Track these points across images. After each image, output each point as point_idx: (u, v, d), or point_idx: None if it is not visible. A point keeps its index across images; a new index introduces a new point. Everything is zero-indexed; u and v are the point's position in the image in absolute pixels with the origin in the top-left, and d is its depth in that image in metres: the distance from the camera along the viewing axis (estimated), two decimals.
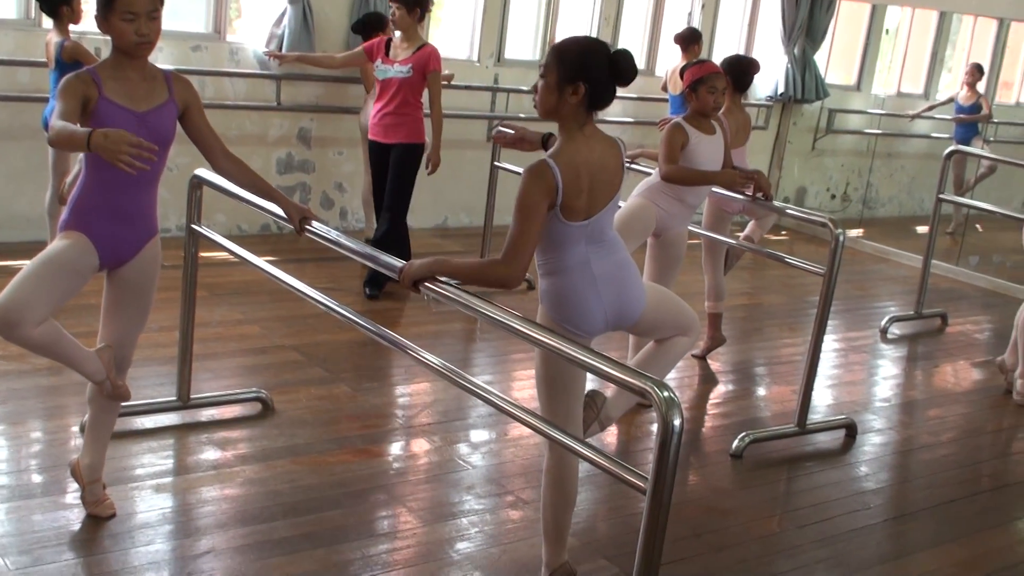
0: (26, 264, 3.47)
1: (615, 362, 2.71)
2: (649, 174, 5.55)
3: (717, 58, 10.43)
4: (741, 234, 6.91)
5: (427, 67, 6.70)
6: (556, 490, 3.53)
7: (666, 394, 2.49)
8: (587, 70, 3.21)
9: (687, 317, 3.70)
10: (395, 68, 6.68)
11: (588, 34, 9.73)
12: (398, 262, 3.42)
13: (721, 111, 6.04)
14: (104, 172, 3.45)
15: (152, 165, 3.46)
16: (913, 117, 12.49)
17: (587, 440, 3.51)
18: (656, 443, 2.50)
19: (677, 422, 2.46)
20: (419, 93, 6.80)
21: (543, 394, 3.47)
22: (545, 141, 3.92)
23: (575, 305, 3.35)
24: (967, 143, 11.89)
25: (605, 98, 3.27)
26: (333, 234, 3.82)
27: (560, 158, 3.22)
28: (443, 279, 3.29)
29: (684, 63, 8.34)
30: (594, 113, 3.31)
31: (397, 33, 6.77)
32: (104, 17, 3.42)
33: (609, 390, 3.80)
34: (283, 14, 7.95)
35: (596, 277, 3.34)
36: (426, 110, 6.88)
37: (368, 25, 7.77)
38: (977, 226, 11.70)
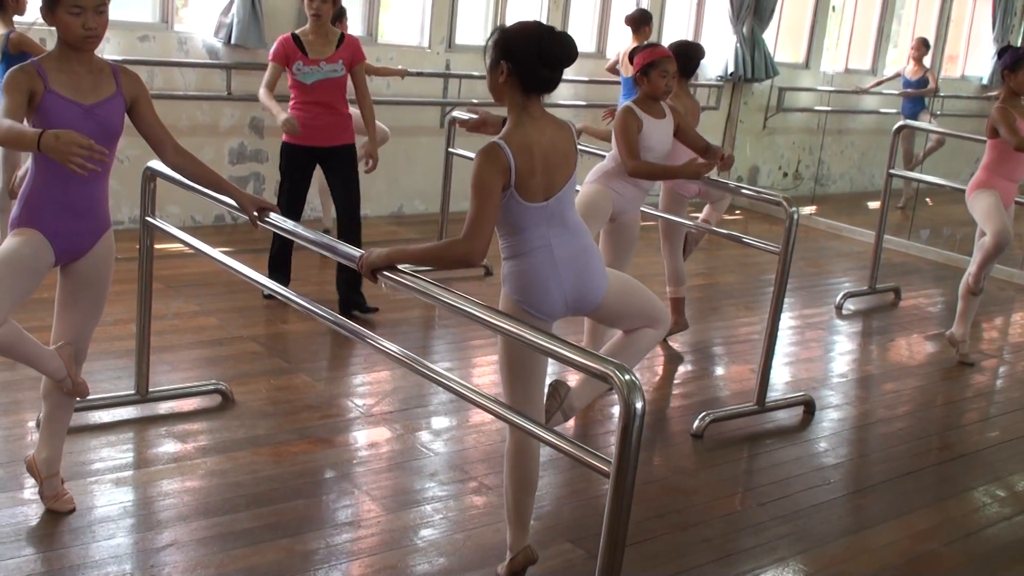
0: None
1: (576, 347, 2.72)
2: (602, 157, 5.56)
3: (666, 39, 10.49)
4: (699, 216, 6.94)
5: (355, 59, 6.23)
6: (517, 474, 3.55)
7: (628, 377, 2.50)
8: (510, 52, 3.26)
9: (655, 309, 3.70)
10: (324, 68, 6.11)
11: (538, 17, 9.73)
12: (356, 251, 3.41)
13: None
14: (54, 169, 3.42)
15: (102, 161, 3.43)
16: (861, 92, 12.60)
17: (550, 427, 3.54)
18: (619, 426, 2.51)
19: (639, 405, 2.47)
20: (346, 87, 6.31)
21: (505, 378, 3.49)
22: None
23: (536, 287, 3.36)
24: (915, 117, 12.01)
25: (538, 80, 3.27)
26: (289, 224, 3.79)
27: (510, 139, 3.26)
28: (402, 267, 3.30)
29: (635, 45, 8.35)
30: (536, 96, 3.33)
31: (307, 27, 6.18)
32: (50, 10, 3.38)
33: (573, 380, 3.82)
34: (231, 3, 7.87)
35: (557, 260, 3.36)
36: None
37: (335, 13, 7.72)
38: (927, 200, 11.83)
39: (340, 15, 7.61)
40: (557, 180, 3.34)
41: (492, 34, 3.35)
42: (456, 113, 5.05)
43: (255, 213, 3.85)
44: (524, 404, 3.42)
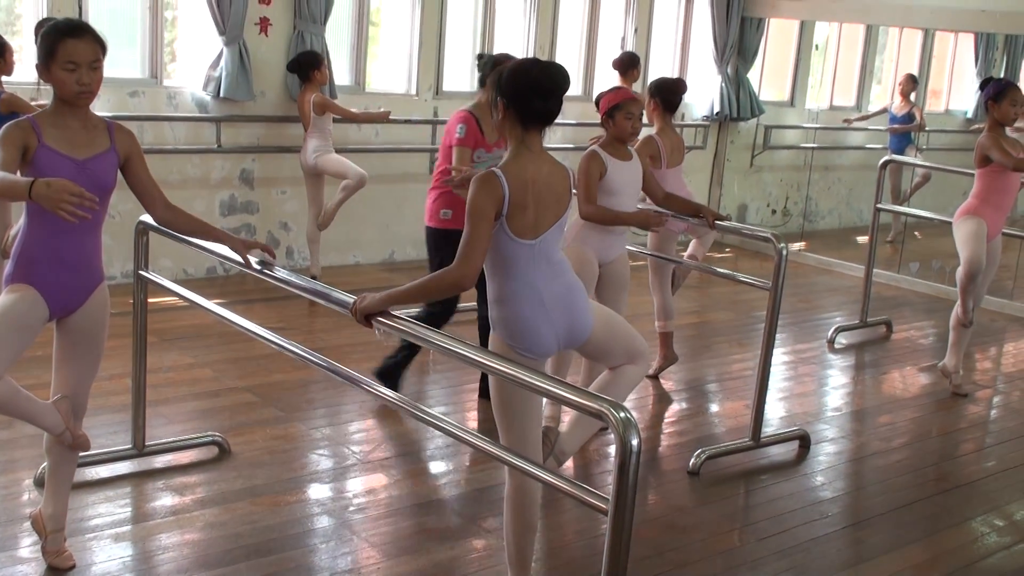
0: None
1: (570, 386, 2.75)
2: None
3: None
4: (685, 254, 6.99)
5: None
6: (517, 516, 3.56)
7: (623, 415, 2.52)
8: (504, 88, 3.35)
9: (635, 344, 3.72)
10: (496, 153, 5.50)
11: None
12: (349, 298, 3.43)
13: (654, 131, 6.14)
14: (47, 221, 3.45)
15: (94, 213, 3.46)
16: (849, 123, 12.69)
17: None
18: (615, 464, 2.53)
19: (635, 442, 2.49)
20: None
21: (500, 419, 3.51)
22: None
23: (528, 331, 3.40)
24: (901, 152, 12.10)
25: (533, 112, 3.35)
26: (283, 273, 3.83)
27: (507, 169, 3.33)
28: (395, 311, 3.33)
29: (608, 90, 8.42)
30: (535, 131, 3.40)
31: (481, 103, 5.57)
32: (45, 66, 3.43)
33: (563, 425, 3.83)
34: (219, 56, 7.94)
35: (545, 301, 3.40)
36: None
37: (303, 64, 7.80)
38: (916, 233, 11.89)
39: (318, 63, 7.75)
40: (546, 219, 3.40)
41: (492, 74, 3.44)
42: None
43: (246, 253, 3.88)
44: (521, 445, 3.44)
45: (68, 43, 3.39)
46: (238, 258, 3.99)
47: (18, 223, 5.66)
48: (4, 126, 3.47)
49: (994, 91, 6.23)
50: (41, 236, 3.51)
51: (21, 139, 3.41)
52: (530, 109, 3.33)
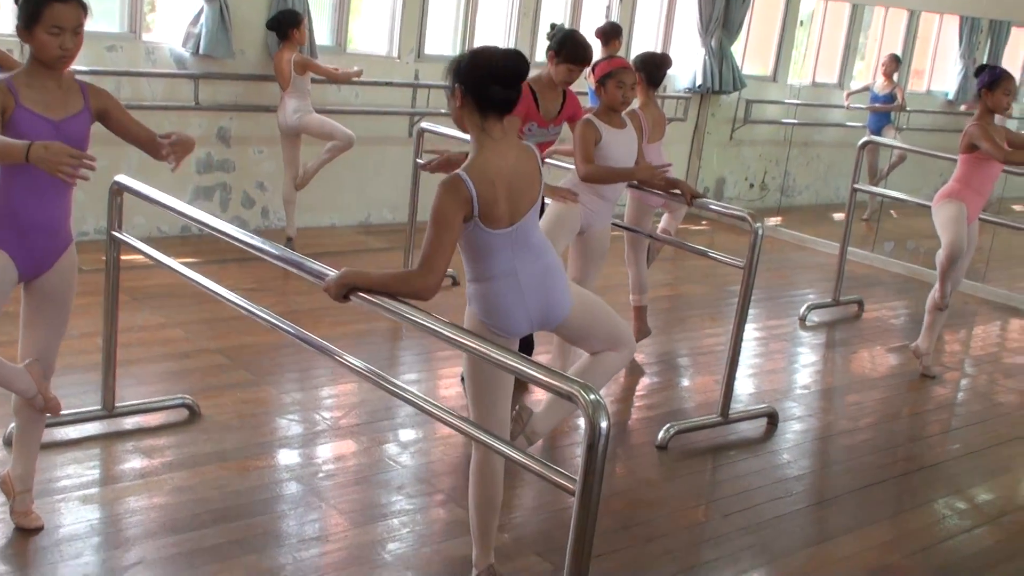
0: None
1: (542, 367, 2.76)
2: (569, 169, 5.60)
3: (635, 52, 10.55)
4: (659, 228, 7.01)
5: (575, 117, 5.53)
6: (481, 492, 3.57)
7: (592, 397, 2.53)
8: (462, 75, 3.28)
9: (619, 332, 3.70)
10: (551, 131, 5.50)
11: (506, 28, 9.80)
12: (326, 269, 3.42)
13: (637, 106, 6.14)
14: (17, 184, 3.44)
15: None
16: (849, 95, 12.70)
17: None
18: (584, 446, 2.54)
19: (604, 425, 2.51)
20: None
21: (470, 392, 3.52)
22: None
23: (501, 310, 3.40)
24: (880, 131, 12.16)
25: (492, 100, 3.27)
26: (256, 240, 3.83)
27: (472, 170, 3.25)
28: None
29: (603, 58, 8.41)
30: (494, 118, 3.31)
31: (542, 77, 5.44)
32: (27, 28, 3.41)
33: (537, 405, 3.84)
34: (200, 12, 7.86)
35: (522, 284, 3.39)
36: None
37: (282, 23, 7.72)
38: (892, 212, 11.95)
39: (298, 21, 7.67)
40: (522, 205, 3.36)
41: (450, 63, 3.36)
42: (419, 160, 5.06)
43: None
44: (490, 420, 3.46)
45: (54, 7, 3.36)
46: (213, 222, 4.00)
47: None
48: None
49: (988, 79, 6.24)
50: (11, 199, 3.49)
51: (0, 101, 3.38)
52: (489, 97, 3.25)
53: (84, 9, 3.47)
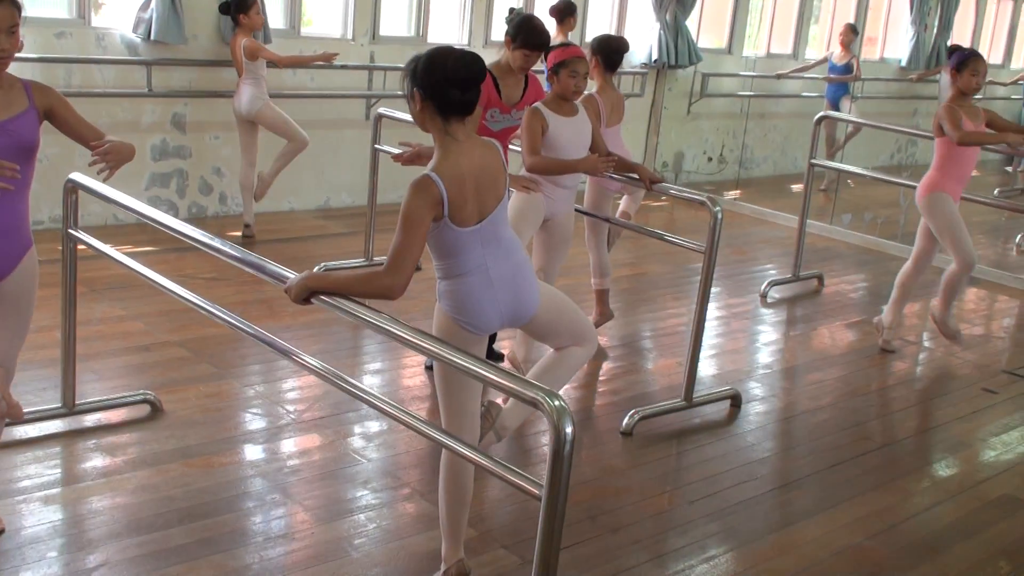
0: None
1: (507, 372, 2.76)
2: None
3: (590, 28, 10.54)
4: (618, 211, 7.01)
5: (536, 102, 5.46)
6: (451, 486, 3.58)
7: (557, 403, 2.53)
8: (419, 79, 3.27)
9: (583, 327, 3.74)
10: (515, 116, 5.44)
11: (461, 9, 9.73)
12: (287, 272, 3.39)
13: (595, 90, 6.12)
14: None
15: (20, 177, 3.40)
16: (780, 76, 12.76)
17: (484, 446, 3.60)
18: (550, 451, 2.54)
19: (569, 430, 2.50)
20: None
21: (440, 394, 3.53)
22: None
23: (472, 307, 3.40)
24: (838, 101, 12.24)
25: (450, 103, 3.26)
26: (217, 242, 3.78)
27: (442, 170, 3.24)
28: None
29: (559, 37, 8.37)
30: (456, 120, 3.31)
31: (500, 64, 5.40)
32: None
33: (505, 401, 3.85)
34: None
35: (493, 280, 3.39)
36: None
37: (232, 8, 7.62)
38: (849, 182, 12.00)
39: (247, 5, 7.57)
40: (489, 202, 3.36)
41: (406, 65, 3.35)
42: (388, 148, 5.02)
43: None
44: (459, 419, 3.48)
45: None
46: (169, 221, 3.98)
47: None
48: None
49: (957, 61, 6.27)
50: None
51: None
52: (448, 101, 3.25)
53: (18, 8, 3.40)
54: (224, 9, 7.75)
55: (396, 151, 5.95)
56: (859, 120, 10.94)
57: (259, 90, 7.66)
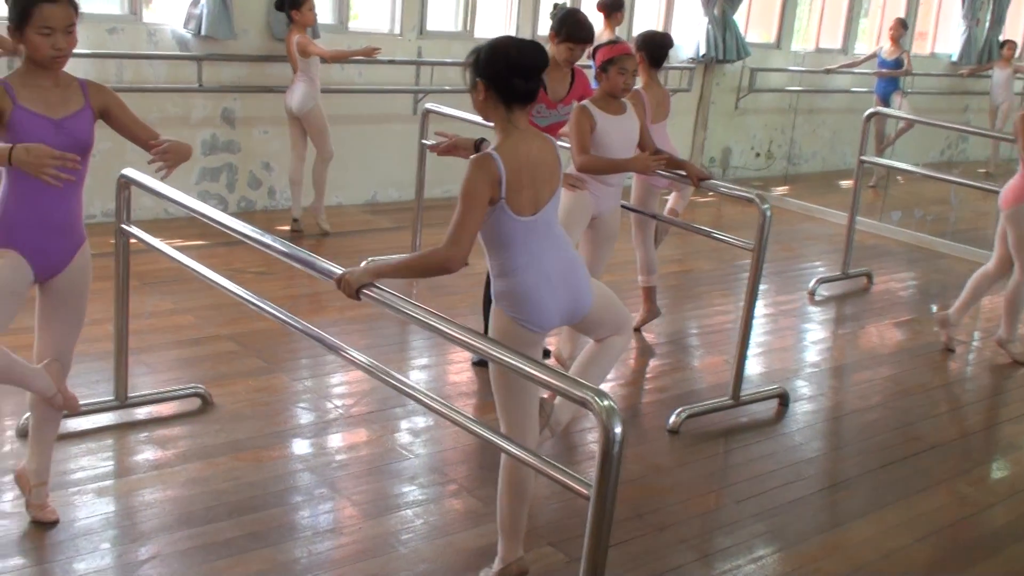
0: None
1: (556, 372, 2.76)
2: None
3: (638, 23, 10.50)
4: (666, 208, 6.98)
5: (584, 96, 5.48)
6: (511, 486, 3.58)
7: (606, 403, 2.53)
8: (483, 69, 3.32)
9: (623, 316, 3.78)
10: (561, 111, 5.45)
11: (509, 5, 9.73)
12: (336, 268, 3.42)
13: (640, 86, 6.10)
14: (28, 184, 3.42)
15: (75, 173, 3.45)
16: (829, 71, 12.64)
17: (539, 443, 3.62)
18: (599, 452, 2.54)
19: (618, 430, 2.50)
20: None
21: (498, 397, 3.52)
22: (478, 145, 3.97)
23: (531, 303, 3.40)
24: (888, 97, 12.11)
25: (514, 91, 3.31)
26: (267, 237, 3.81)
27: (502, 151, 3.30)
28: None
29: (606, 32, 8.35)
30: (519, 109, 3.36)
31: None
32: (18, 28, 3.38)
33: (554, 396, 3.85)
34: None
35: (550, 275, 3.41)
36: None
37: (288, 2, 7.66)
38: (899, 179, 11.89)
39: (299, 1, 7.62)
40: (544, 194, 3.39)
41: (468, 56, 3.40)
42: (424, 142, 5.08)
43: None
44: (522, 420, 3.49)
45: (43, 8, 3.33)
46: (220, 217, 4.02)
47: None
48: None
49: None
50: (23, 199, 3.48)
51: None
52: (512, 89, 3.30)
53: (74, 8, 3.44)
54: (279, 6, 7.78)
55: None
56: (910, 116, 10.83)
57: (312, 89, 7.69)
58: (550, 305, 3.43)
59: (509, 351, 2.88)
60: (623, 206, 5.71)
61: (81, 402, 4.62)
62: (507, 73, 3.28)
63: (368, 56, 8.03)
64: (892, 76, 12.19)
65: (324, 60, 7.85)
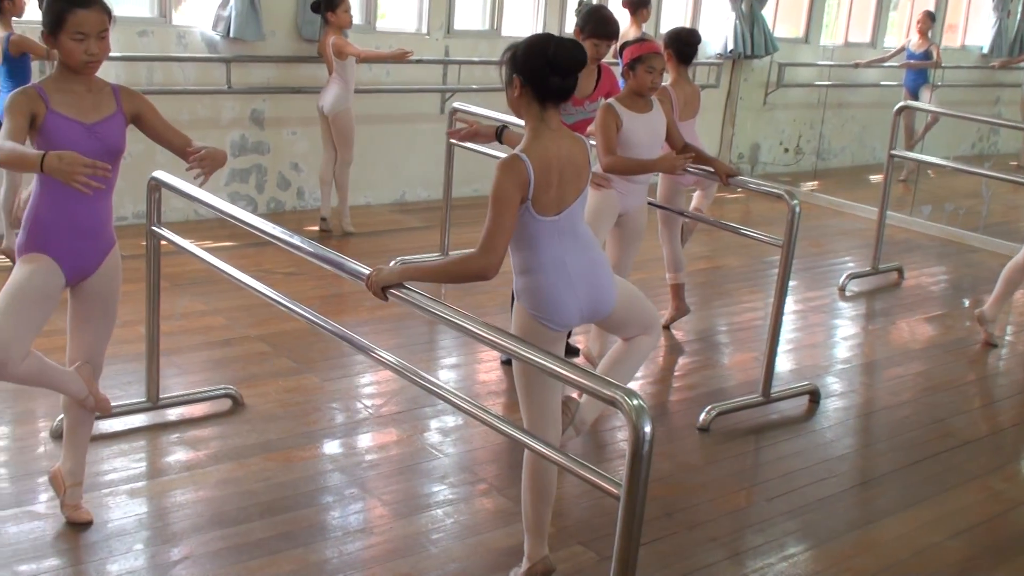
0: None
1: (584, 371, 2.76)
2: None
3: (664, 20, 10.48)
4: (691, 205, 6.96)
5: (611, 93, 5.51)
6: (534, 484, 3.59)
7: (636, 402, 2.53)
8: (520, 65, 3.32)
9: (650, 315, 3.77)
10: (588, 108, 5.46)
11: (536, 3, 9.72)
12: (365, 269, 3.43)
13: (669, 83, 6.08)
14: (58, 189, 3.44)
15: (106, 179, 3.48)
16: (858, 66, 12.57)
17: (563, 441, 3.62)
18: (628, 451, 2.54)
19: (647, 429, 2.50)
20: None
21: (521, 390, 3.54)
22: (500, 133, 3.98)
23: (551, 302, 3.41)
24: (917, 90, 12.02)
25: (551, 89, 3.31)
26: (295, 238, 3.83)
27: (530, 152, 3.29)
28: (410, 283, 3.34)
29: (633, 30, 8.33)
30: (552, 107, 3.36)
31: None
32: (52, 34, 3.41)
33: (580, 395, 3.85)
34: None
35: (571, 274, 3.41)
36: None
37: (324, 3, 7.67)
38: (929, 172, 11.80)
39: (335, 3, 7.62)
40: (569, 194, 3.39)
41: (504, 52, 3.41)
42: (451, 129, 5.11)
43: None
44: (543, 416, 3.50)
45: (77, 13, 3.36)
46: (249, 219, 4.04)
47: (28, 188, 5.68)
48: (10, 94, 3.46)
49: None
50: (54, 203, 3.51)
51: (28, 107, 3.39)
52: (548, 87, 3.30)
53: (108, 14, 3.46)
54: (315, 7, 7.80)
55: (471, 146, 6.01)
56: (940, 110, 10.74)
57: (345, 92, 7.71)
58: (570, 303, 3.42)
59: (537, 350, 2.88)
60: (650, 203, 5.70)
61: (113, 404, 4.66)
62: (545, 70, 3.28)
63: (400, 60, 8.01)
64: (921, 68, 12.10)
65: (359, 60, 7.86)
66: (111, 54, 3.64)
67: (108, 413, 3.97)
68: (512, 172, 3.24)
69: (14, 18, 6.31)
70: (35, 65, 6.71)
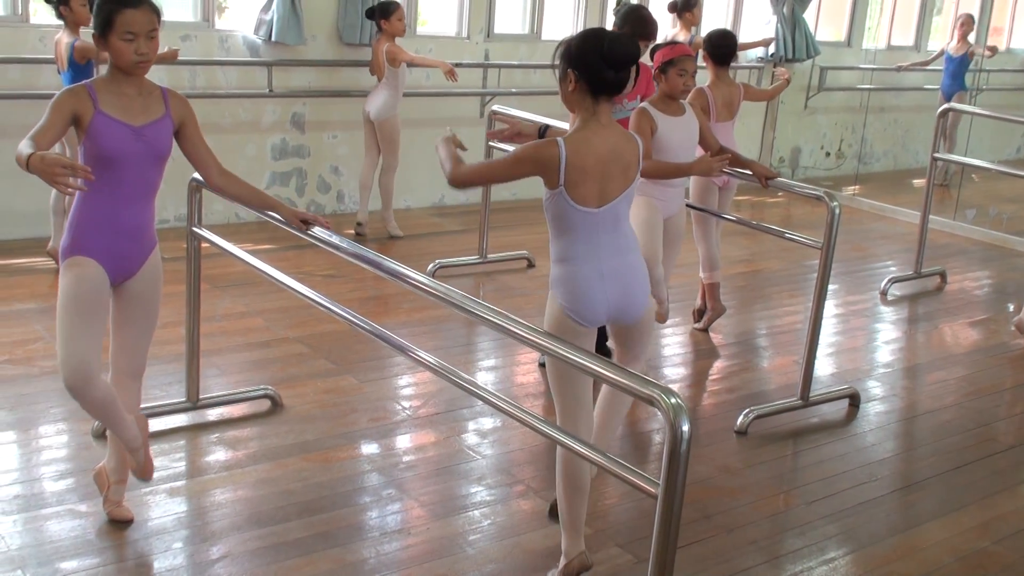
0: (58, 306, 3.51)
1: (622, 369, 2.75)
2: None
3: (706, 23, 10.43)
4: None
5: (647, 93, 5.53)
6: (569, 480, 3.59)
7: (673, 400, 2.52)
8: (575, 60, 3.36)
9: (646, 352, 3.89)
10: (627, 106, 5.45)
11: (577, 5, 9.72)
12: (405, 269, 3.46)
13: (706, 84, 6.06)
14: (100, 191, 3.47)
15: (150, 179, 3.54)
16: (900, 70, 12.46)
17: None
18: (666, 450, 2.53)
19: (685, 428, 2.49)
20: None
21: (554, 388, 3.56)
22: (542, 133, 3.98)
23: (581, 295, 3.43)
24: (952, 95, 11.87)
25: (604, 83, 3.35)
26: (335, 238, 3.84)
27: (569, 140, 3.35)
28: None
29: (683, 33, 8.31)
30: (605, 101, 3.40)
31: None
32: (102, 35, 3.44)
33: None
34: (271, 0, 7.91)
35: (604, 271, 3.43)
36: None
37: (378, 11, 7.67)
38: (973, 176, 11.68)
39: (390, 11, 7.62)
40: (612, 190, 3.41)
41: (557, 47, 3.45)
42: (501, 145, 5.15)
43: (300, 223, 3.91)
44: (575, 413, 3.52)
45: (126, 13, 3.39)
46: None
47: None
48: (59, 92, 3.49)
49: None
50: (97, 205, 3.53)
51: (71, 107, 3.41)
52: (602, 80, 3.33)
53: (157, 14, 3.49)
54: (369, 14, 7.82)
55: (509, 147, 6.01)
56: (983, 112, 10.61)
57: (394, 98, 7.73)
58: (598, 298, 3.44)
59: (573, 347, 2.88)
60: (687, 205, 5.68)
61: (155, 403, 4.75)
62: (600, 64, 3.32)
63: (446, 73, 7.96)
64: (957, 74, 11.94)
65: (409, 64, 7.86)
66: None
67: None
68: (541, 148, 3.35)
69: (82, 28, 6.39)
70: (101, 70, 6.78)
